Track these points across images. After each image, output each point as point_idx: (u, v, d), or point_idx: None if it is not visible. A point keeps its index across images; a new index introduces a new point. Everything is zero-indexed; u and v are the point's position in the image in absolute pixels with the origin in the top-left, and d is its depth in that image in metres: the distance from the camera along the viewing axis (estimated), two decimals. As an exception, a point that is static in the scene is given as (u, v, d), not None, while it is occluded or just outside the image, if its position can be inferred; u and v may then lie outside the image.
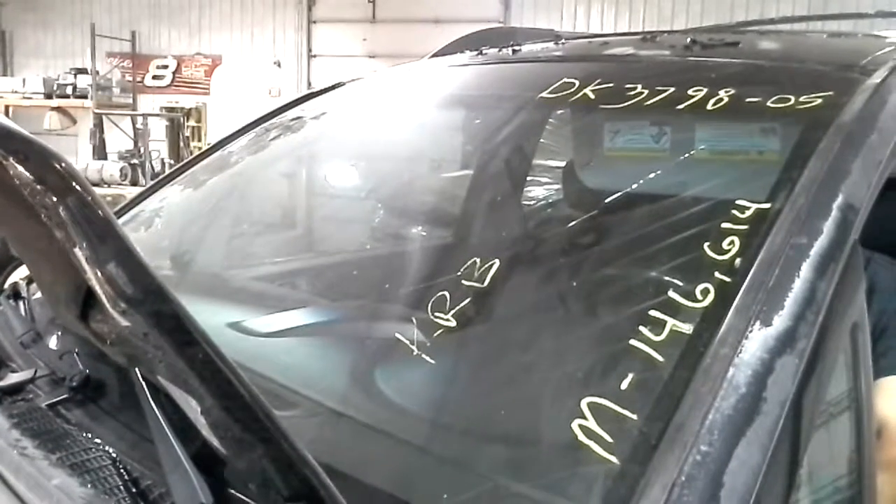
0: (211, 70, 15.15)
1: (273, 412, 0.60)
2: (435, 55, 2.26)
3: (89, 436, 1.12)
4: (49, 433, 1.13)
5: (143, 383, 1.11)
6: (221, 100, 14.35)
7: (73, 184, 0.54)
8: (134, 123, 13.29)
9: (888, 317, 1.53)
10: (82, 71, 14.68)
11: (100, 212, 0.55)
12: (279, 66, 14.84)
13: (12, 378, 1.35)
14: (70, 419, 1.17)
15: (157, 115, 14.24)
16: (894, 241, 1.62)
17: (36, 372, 1.35)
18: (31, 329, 1.48)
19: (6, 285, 1.92)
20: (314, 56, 14.85)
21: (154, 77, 15.61)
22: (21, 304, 1.71)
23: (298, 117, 1.95)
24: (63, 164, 0.54)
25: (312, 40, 14.83)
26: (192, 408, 0.77)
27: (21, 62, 16.35)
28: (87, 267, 0.58)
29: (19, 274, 2.09)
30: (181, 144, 13.38)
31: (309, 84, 14.72)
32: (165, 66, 15.53)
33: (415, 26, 13.43)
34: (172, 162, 12.84)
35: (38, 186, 0.56)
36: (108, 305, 0.59)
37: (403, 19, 13.69)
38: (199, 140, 13.90)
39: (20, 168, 0.56)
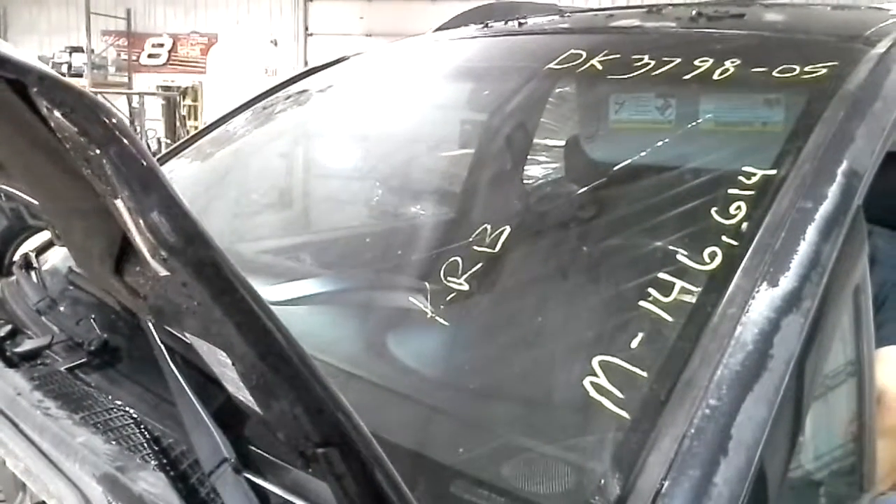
0: (207, 49, 15.09)
1: (308, 355, 0.62)
2: (438, 29, 2.27)
3: (109, 397, 1.14)
4: (70, 395, 1.16)
5: (162, 345, 1.15)
6: (218, 79, 14.30)
7: (118, 134, 0.56)
8: (130, 102, 13.26)
9: (888, 288, 1.56)
10: (77, 49, 14.61)
11: (144, 161, 0.57)
12: (275, 44, 14.78)
13: (29, 344, 1.37)
14: (89, 382, 1.20)
15: (153, 93, 14.19)
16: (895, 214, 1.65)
17: (53, 338, 1.37)
18: (46, 297, 1.50)
19: (17, 256, 1.94)
20: (311, 34, 14.79)
21: (150, 56, 15.54)
22: (33, 273, 1.73)
23: (305, 90, 1.97)
24: (109, 116, 0.56)
25: (309, 18, 14.77)
26: (220, 361, 0.79)
27: (15, 39, 16.24)
28: (128, 217, 0.60)
29: (27, 246, 2.12)
30: (177, 123, 13.36)
31: (305, 63, 14.67)
32: (161, 45, 15.45)
33: (412, 4, 13.37)
34: (169, 141, 12.82)
35: (82, 138, 0.58)
36: (147, 255, 0.61)
37: (400, -3, 13.65)
38: (196, 119, 13.85)
39: (64, 120, 0.58)
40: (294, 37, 14.78)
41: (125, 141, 0.56)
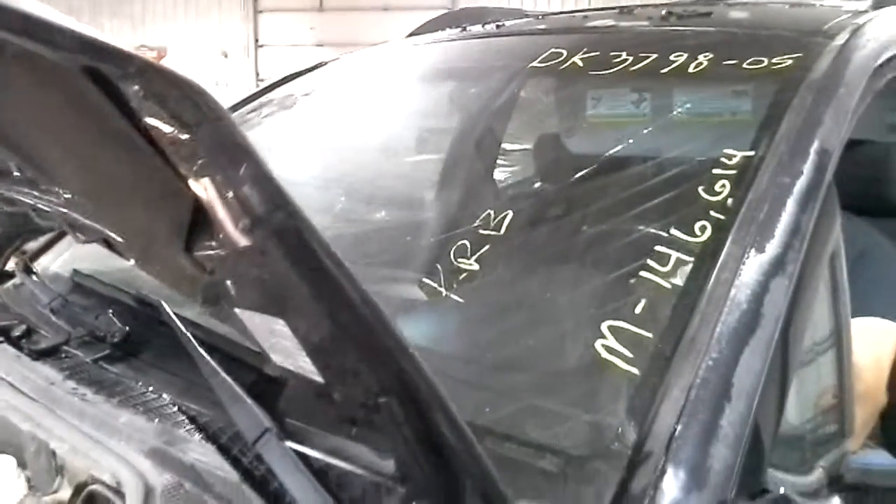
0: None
1: (378, 306, 0.69)
2: (411, 35, 2.35)
3: (140, 384, 1.20)
4: (102, 382, 1.21)
5: (188, 333, 1.21)
6: (168, 92, 14.14)
7: (212, 113, 0.63)
8: (80, 118, 13.04)
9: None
10: (23, 65, 14.35)
11: (236, 137, 0.64)
12: (226, 56, 14.72)
13: (48, 341, 1.42)
14: (117, 371, 1.26)
15: (103, 108, 13.98)
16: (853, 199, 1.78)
17: (71, 334, 1.42)
18: (57, 296, 1.55)
19: (11, 262, 1.97)
20: (261, 46, 14.77)
21: (97, 70, 15.30)
22: (34, 277, 1.77)
23: (289, 95, 2.04)
24: (203, 97, 0.63)
25: (259, 30, 14.75)
26: (273, 333, 0.86)
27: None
28: (215, 193, 0.67)
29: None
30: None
31: (257, 74, 14.65)
32: (109, 60, 15.23)
33: (363, 14, 13.45)
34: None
35: (173, 121, 0.65)
36: (230, 228, 0.68)
37: (351, 7, 13.70)
38: (147, 133, 13.66)
39: (156, 106, 0.65)
40: (244, 49, 14.75)
41: (219, 120, 0.63)
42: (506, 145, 1.82)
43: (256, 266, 0.73)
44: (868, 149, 1.95)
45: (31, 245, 2.10)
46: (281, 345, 0.88)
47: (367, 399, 0.78)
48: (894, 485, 1.04)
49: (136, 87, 0.66)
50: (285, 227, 0.66)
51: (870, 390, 1.21)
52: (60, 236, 2.04)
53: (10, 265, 2.09)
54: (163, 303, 1.31)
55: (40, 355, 1.36)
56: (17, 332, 1.47)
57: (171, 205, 0.78)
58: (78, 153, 0.88)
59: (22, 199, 1.53)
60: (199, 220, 0.76)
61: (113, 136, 0.78)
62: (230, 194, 0.66)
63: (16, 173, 1.51)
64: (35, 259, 2.03)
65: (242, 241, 0.69)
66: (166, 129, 0.67)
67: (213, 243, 0.75)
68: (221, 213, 0.69)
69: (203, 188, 0.69)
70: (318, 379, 0.86)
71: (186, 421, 1.08)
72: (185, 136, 0.66)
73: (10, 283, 1.95)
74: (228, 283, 0.81)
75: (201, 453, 1.00)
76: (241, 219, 0.67)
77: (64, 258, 1.93)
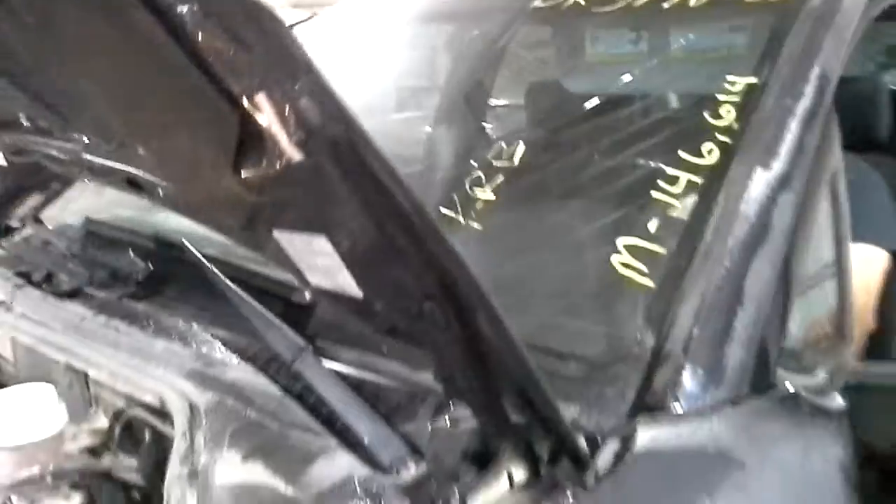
0: None
1: (428, 213, 0.73)
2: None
3: (170, 316, 1.24)
4: (133, 316, 1.25)
5: (213, 267, 1.24)
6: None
7: (271, 28, 0.65)
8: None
9: None
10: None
11: (295, 51, 0.67)
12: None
13: (70, 283, 1.45)
14: (145, 307, 1.29)
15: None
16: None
17: (92, 275, 1.45)
18: (75, 242, 1.58)
19: (22, 214, 2.00)
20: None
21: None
22: (45, 227, 1.80)
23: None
24: (261, 12, 0.65)
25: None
26: (313, 251, 0.90)
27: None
28: (270, 109, 0.70)
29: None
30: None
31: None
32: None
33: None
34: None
35: (227, 35, 0.68)
36: (284, 143, 0.71)
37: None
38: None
39: (214, 25, 0.68)
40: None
41: (278, 34, 0.66)
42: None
43: (307, 182, 0.76)
44: (854, 86, 2.00)
45: (33, 200, 2.12)
46: (319, 264, 0.92)
47: (411, 307, 0.82)
48: (889, 384, 1.11)
49: (195, 7, 0.69)
50: (342, 139, 0.69)
51: (858, 315, 1.27)
52: (62, 190, 2.07)
53: (14, 221, 2.12)
54: (184, 241, 1.34)
55: (65, 296, 1.40)
56: (37, 277, 1.50)
57: (218, 127, 0.81)
58: (120, 86, 0.91)
59: (34, 148, 1.56)
60: (248, 141, 0.79)
61: (160, 63, 0.81)
62: (287, 108, 0.69)
63: (25, 123, 1.54)
64: (39, 213, 2.06)
65: (297, 155, 0.72)
66: (222, 47, 0.70)
67: (263, 163, 0.78)
68: (276, 128, 0.72)
69: (257, 105, 0.72)
70: (358, 294, 0.90)
71: (221, 346, 1.12)
72: (242, 53, 0.69)
73: (17, 237, 1.98)
74: (275, 202, 0.85)
75: (240, 373, 1.05)
76: (298, 132, 0.70)
77: (70, 210, 1.96)
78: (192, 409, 0.97)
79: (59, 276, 1.52)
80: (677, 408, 0.89)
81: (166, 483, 0.86)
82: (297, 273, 1.02)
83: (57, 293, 1.41)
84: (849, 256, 1.20)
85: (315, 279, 0.98)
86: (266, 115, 0.73)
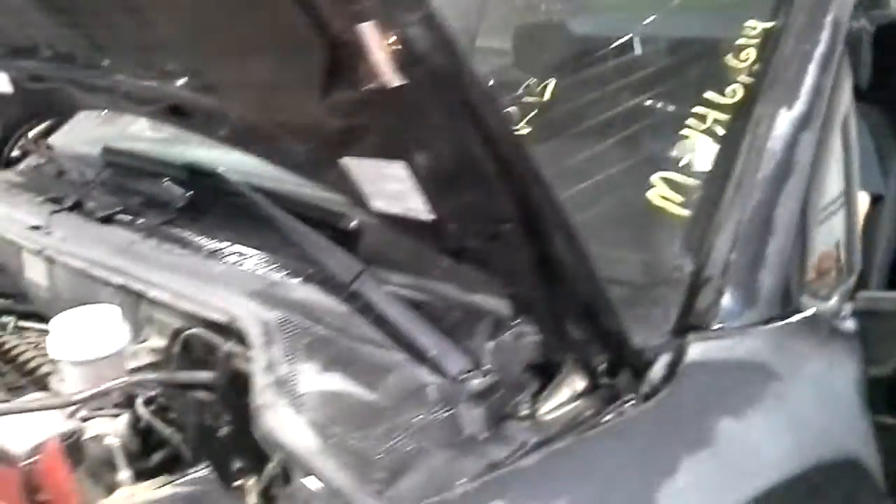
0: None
1: (517, 137, 0.80)
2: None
3: (218, 241, 1.29)
4: (182, 241, 1.30)
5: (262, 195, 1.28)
6: None
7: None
8: None
9: None
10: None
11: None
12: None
13: (103, 210, 1.48)
14: (192, 232, 1.33)
15: None
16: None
17: (124, 202, 1.49)
18: (103, 169, 1.60)
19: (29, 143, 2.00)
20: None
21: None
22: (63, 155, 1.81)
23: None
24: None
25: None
26: (385, 177, 0.96)
27: None
28: (374, 36, 0.75)
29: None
30: None
31: None
32: None
33: None
34: None
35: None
36: (383, 68, 0.76)
37: None
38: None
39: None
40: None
41: None
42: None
43: (400, 107, 0.82)
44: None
45: (34, 130, 2.12)
46: (388, 189, 0.98)
47: (486, 228, 0.89)
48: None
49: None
50: (447, 67, 0.75)
51: None
52: (64, 120, 2.07)
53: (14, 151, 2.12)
54: (221, 170, 1.39)
55: (104, 221, 1.43)
56: (68, 203, 1.53)
57: (308, 53, 0.86)
58: (200, 13, 0.95)
59: (57, 74, 1.56)
60: (340, 66, 0.84)
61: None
62: (396, 35, 0.74)
63: (46, 52, 1.55)
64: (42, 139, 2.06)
65: (396, 80, 0.78)
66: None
67: (357, 88, 0.83)
68: (379, 54, 0.77)
69: (362, 31, 0.76)
70: (428, 217, 0.96)
71: (279, 268, 1.18)
72: None
73: (24, 165, 1.98)
74: (358, 127, 0.90)
75: (303, 293, 1.11)
76: (401, 58, 0.75)
77: (76, 139, 1.97)
78: (265, 323, 1.03)
79: (87, 202, 1.54)
80: (718, 326, 0.98)
81: (256, 391, 0.93)
82: (357, 198, 1.08)
83: (94, 218, 1.44)
84: (856, 193, 1.30)
85: (379, 204, 1.03)
86: (370, 41, 0.77)
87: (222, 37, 0.96)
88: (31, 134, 2.02)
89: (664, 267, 1.07)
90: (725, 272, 1.02)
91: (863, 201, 1.61)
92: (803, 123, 1.15)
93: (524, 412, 0.91)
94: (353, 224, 1.21)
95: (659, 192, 1.14)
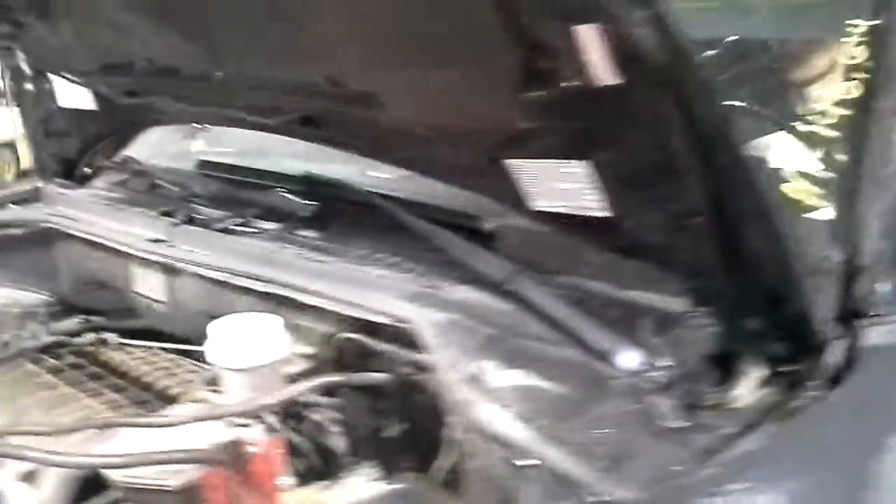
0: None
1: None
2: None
3: (356, 248, 1.31)
4: (321, 248, 1.32)
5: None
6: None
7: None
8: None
9: None
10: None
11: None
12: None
13: (218, 223, 1.50)
14: (322, 241, 1.36)
15: None
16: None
17: (240, 213, 1.51)
18: (218, 182, 1.62)
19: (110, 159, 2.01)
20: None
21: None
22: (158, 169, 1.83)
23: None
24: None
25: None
26: (562, 177, 1.00)
27: None
28: (594, 38, 0.78)
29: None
30: None
31: None
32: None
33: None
34: None
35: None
36: (596, 66, 0.80)
37: None
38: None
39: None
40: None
41: None
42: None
43: (606, 104, 0.85)
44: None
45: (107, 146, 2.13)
46: (559, 188, 1.02)
47: (670, 223, 0.93)
48: None
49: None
50: (670, 63, 0.78)
51: None
52: (135, 136, 2.09)
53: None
54: (346, 180, 1.41)
55: (225, 232, 1.45)
56: (182, 216, 1.55)
57: (506, 54, 0.89)
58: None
59: (159, 90, 1.58)
60: (539, 67, 0.88)
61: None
62: (617, 35, 0.77)
63: (142, 66, 1.57)
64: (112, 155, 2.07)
65: (607, 80, 0.81)
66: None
67: (555, 87, 0.86)
68: (595, 56, 0.80)
69: (576, 31, 0.80)
70: (604, 214, 1.00)
71: (427, 272, 1.21)
72: None
73: (107, 180, 1.99)
74: (551, 126, 0.93)
75: (462, 294, 1.14)
76: (624, 57, 0.79)
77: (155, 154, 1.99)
78: (437, 325, 1.06)
79: (197, 215, 1.56)
80: (878, 312, 1.03)
81: (448, 388, 0.96)
82: (509, 200, 1.11)
83: (213, 229, 1.46)
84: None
85: (542, 203, 1.07)
86: (587, 40, 0.81)
87: (396, 43, 1.00)
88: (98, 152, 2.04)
89: (811, 258, 1.12)
90: (879, 261, 1.06)
91: None
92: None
93: (711, 402, 0.95)
94: (491, 226, 1.25)
95: (795, 186, 1.18)
